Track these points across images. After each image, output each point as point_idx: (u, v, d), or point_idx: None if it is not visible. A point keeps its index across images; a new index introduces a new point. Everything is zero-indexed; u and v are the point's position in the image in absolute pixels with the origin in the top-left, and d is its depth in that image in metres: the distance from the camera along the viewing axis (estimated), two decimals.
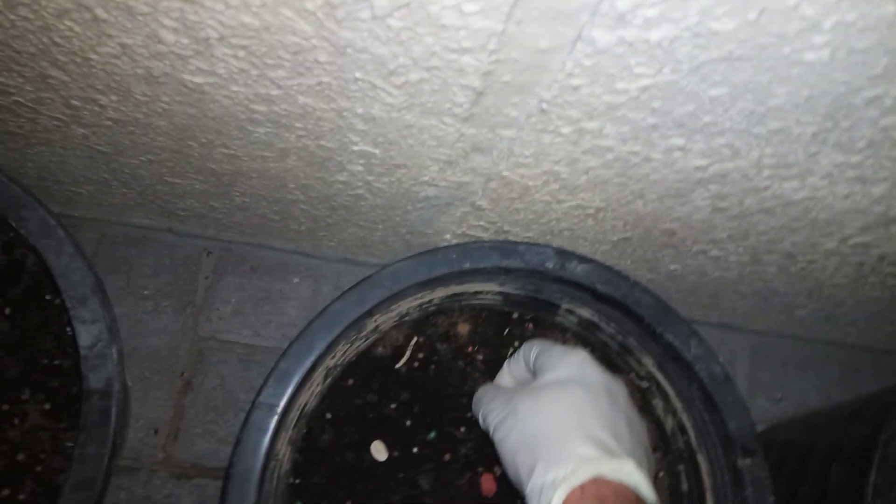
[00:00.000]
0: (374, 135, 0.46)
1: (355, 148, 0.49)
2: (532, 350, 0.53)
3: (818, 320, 0.83)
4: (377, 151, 0.50)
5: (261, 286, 0.82)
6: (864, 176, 0.44)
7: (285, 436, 0.53)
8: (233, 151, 0.53)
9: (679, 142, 0.42)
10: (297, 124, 0.47)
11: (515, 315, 0.65)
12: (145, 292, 0.81)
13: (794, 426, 0.83)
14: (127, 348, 0.78)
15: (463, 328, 0.64)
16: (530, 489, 0.42)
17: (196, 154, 0.55)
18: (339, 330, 0.52)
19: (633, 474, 0.42)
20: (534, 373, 0.52)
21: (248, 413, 0.49)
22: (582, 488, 0.40)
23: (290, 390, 0.50)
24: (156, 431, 0.77)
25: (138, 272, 0.81)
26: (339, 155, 0.51)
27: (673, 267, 0.69)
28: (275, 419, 0.49)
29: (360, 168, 0.53)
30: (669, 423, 0.62)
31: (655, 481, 0.62)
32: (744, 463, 0.55)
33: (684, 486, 0.61)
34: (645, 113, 0.39)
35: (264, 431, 0.49)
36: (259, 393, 0.49)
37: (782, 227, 0.54)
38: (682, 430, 0.61)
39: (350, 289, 0.53)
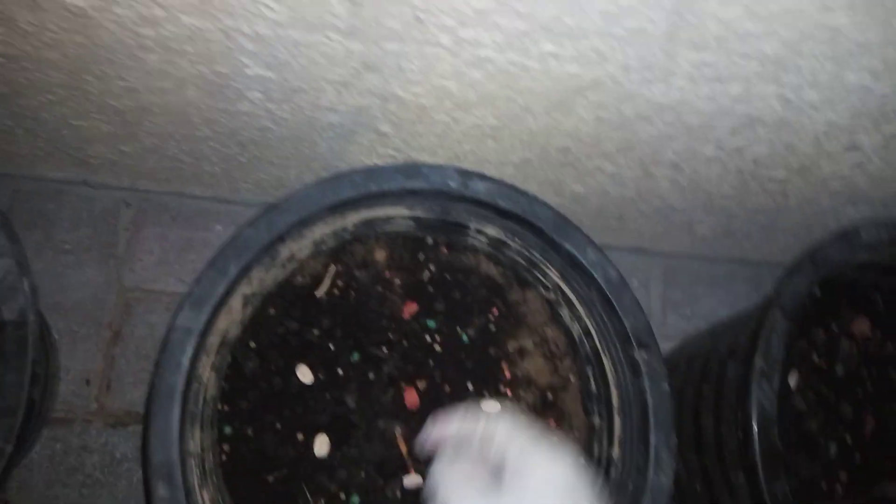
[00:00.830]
0: (264, 56, 0.47)
1: (249, 72, 0.51)
2: (497, 434, 0.45)
3: (718, 236, 0.89)
4: (272, 74, 0.51)
5: (183, 235, 0.83)
6: (721, 75, 0.48)
7: (207, 360, 0.55)
8: (130, 83, 0.54)
9: (550, 48, 0.45)
10: (188, 48, 0.48)
11: (430, 240, 0.68)
12: (65, 246, 0.80)
13: (700, 337, 0.89)
14: (50, 302, 0.78)
15: (380, 255, 0.67)
16: None
17: (95, 90, 0.56)
18: (251, 255, 0.54)
19: None
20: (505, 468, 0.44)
21: (166, 336, 0.50)
22: None
23: (205, 315, 0.52)
24: (88, 382, 0.78)
25: (57, 227, 0.81)
26: (236, 80, 0.52)
27: (576, 187, 0.73)
28: (193, 341, 0.51)
29: (260, 95, 0.55)
30: (576, 329, 0.67)
31: (568, 385, 0.67)
32: (640, 356, 0.59)
33: (593, 387, 0.66)
34: (512, 17, 0.42)
35: (183, 352, 0.51)
36: (175, 317, 0.51)
37: (661, 135, 0.58)
38: (588, 333, 0.65)
39: (259, 215, 0.54)
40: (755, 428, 0.60)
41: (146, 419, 0.49)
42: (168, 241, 0.83)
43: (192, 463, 0.52)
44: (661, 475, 0.56)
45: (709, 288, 1.01)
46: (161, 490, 0.47)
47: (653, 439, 0.57)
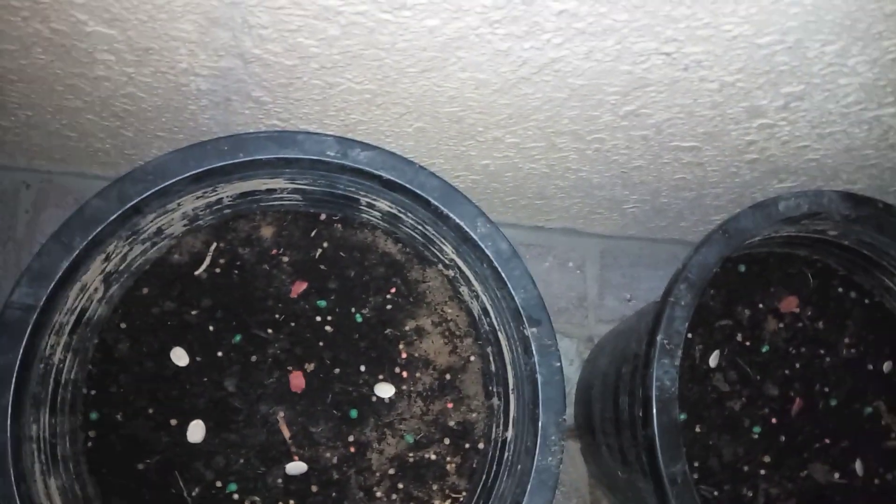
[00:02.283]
0: (98, 10, 0.44)
1: (89, 29, 0.47)
2: None
3: (649, 216, 0.85)
4: (114, 33, 0.48)
5: None
6: (591, 29, 0.45)
7: (57, 340, 0.52)
8: None
9: None
10: (13, 2, 0.44)
11: (322, 216, 0.65)
12: None
13: (629, 319, 0.86)
14: None
15: (267, 231, 0.63)
16: None
17: None
18: (99, 227, 0.50)
19: None
20: None
21: (0, 314, 0.47)
22: None
23: (46, 290, 0.48)
24: None
25: None
26: (79, 40, 0.49)
27: (484, 162, 0.70)
28: (33, 318, 0.48)
29: (111, 57, 0.51)
30: (475, 308, 0.63)
31: (468, 365, 0.63)
32: (531, 332, 0.56)
33: (493, 367, 0.62)
34: None
35: (20, 331, 0.47)
36: (11, 293, 0.48)
37: (551, 101, 0.55)
38: (486, 312, 0.62)
39: (110, 184, 0.51)
40: (654, 405, 0.56)
41: None
42: None
43: (34, 448, 0.48)
44: (548, 455, 0.53)
45: (649, 270, 0.98)
46: None
47: (542, 418, 0.54)
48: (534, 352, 0.56)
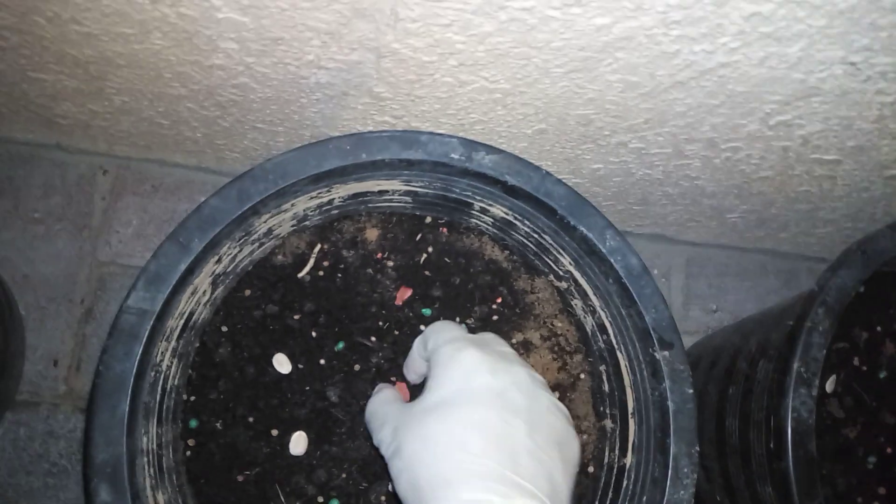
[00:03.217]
0: None
1: (220, 16, 0.44)
2: (427, 342, 0.47)
3: (751, 226, 0.81)
4: (247, 20, 0.44)
5: (165, 206, 0.77)
6: (779, 33, 0.41)
7: (167, 346, 0.49)
8: (87, 29, 0.47)
9: None
10: None
11: (428, 219, 0.61)
12: (35, 215, 0.74)
13: (726, 332, 0.82)
14: (18, 276, 0.72)
15: (371, 234, 0.60)
16: None
17: (49, 35, 0.49)
18: (218, 229, 0.47)
19: None
20: (428, 375, 0.45)
21: (116, 319, 0.44)
22: None
23: (163, 294, 0.45)
24: (55, 363, 0.72)
25: (27, 194, 0.75)
26: (206, 27, 0.45)
27: (596, 166, 0.66)
28: (148, 325, 0.45)
29: (235, 45, 0.48)
30: (589, 323, 0.59)
31: (577, 383, 0.60)
32: (662, 355, 0.52)
33: (606, 387, 0.59)
34: None
35: (136, 337, 0.44)
36: (127, 297, 0.44)
37: (700, 107, 0.51)
38: (602, 328, 0.58)
39: (229, 183, 0.48)
40: (790, 437, 0.52)
41: (89, 412, 0.42)
42: (148, 212, 0.76)
43: (144, 462, 0.45)
44: (681, 488, 0.49)
45: (736, 280, 0.94)
46: (104, 494, 0.41)
47: (672, 448, 0.50)
48: (665, 376, 0.52)
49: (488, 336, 0.50)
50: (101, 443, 0.42)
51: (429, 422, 0.40)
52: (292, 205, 0.52)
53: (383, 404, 0.47)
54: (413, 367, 0.52)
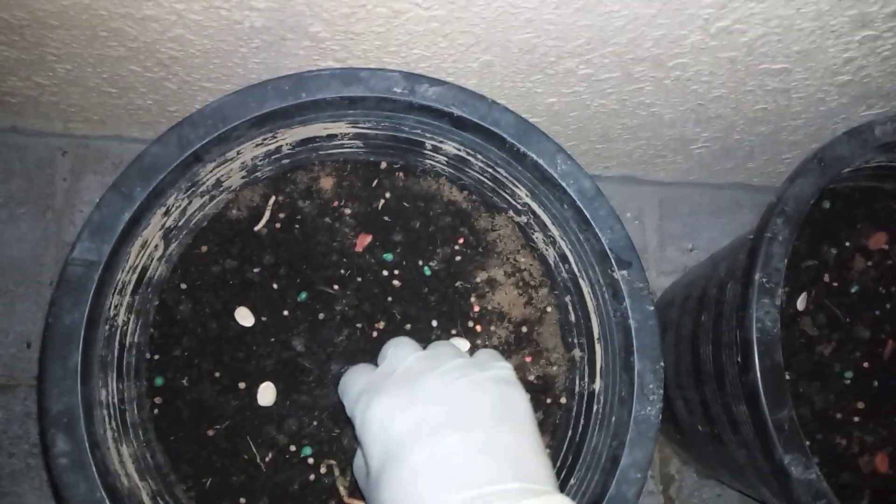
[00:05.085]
0: None
1: None
2: (346, 405, 0.45)
3: (717, 157, 0.81)
4: None
5: None
6: None
7: (121, 300, 0.48)
8: None
9: None
10: None
11: (383, 164, 0.61)
12: None
13: (699, 266, 0.81)
14: None
15: (326, 183, 0.60)
16: None
17: None
18: (160, 176, 0.46)
19: None
20: None
21: (62, 271, 0.43)
22: None
23: (109, 245, 0.45)
24: (28, 345, 0.72)
25: None
26: None
27: (550, 100, 0.65)
28: (96, 275, 0.44)
29: None
30: (551, 255, 0.59)
31: (544, 316, 0.60)
32: (620, 275, 0.52)
33: (572, 317, 0.59)
34: None
35: (84, 288, 0.44)
36: (73, 249, 0.44)
37: (637, 18, 0.50)
38: (564, 258, 0.58)
39: (168, 129, 0.47)
40: (755, 348, 0.52)
41: (41, 365, 0.42)
42: None
43: (104, 414, 0.45)
44: (647, 404, 0.49)
45: (711, 218, 0.93)
46: (60, 443, 0.41)
47: (637, 365, 0.50)
48: (625, 296, 0.52)
49: (389, 350, 0.47)
50: (55, 394, 0.42)
51: (381, 497, 0.38)
52: (238, 153, 0.52)
53: (357, 469, 0.45)
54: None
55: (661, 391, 0.50)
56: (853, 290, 0.67)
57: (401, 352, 0.45)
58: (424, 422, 0.38)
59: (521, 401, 0.42)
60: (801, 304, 0.66)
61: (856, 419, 0.65)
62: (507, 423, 0.39)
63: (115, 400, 0.47)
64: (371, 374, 0.45)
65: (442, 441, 0.37)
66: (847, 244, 0.68)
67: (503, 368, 0.43)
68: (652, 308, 0.51)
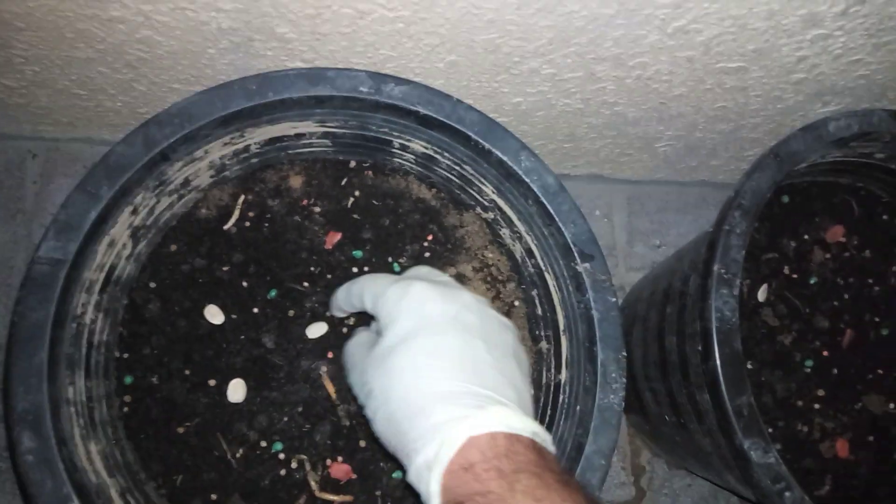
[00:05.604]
0: None
1: None
2: (364, 294, 0.46)
3: (681, 154, 0.82)
4: None
5: None
6: None
7: (88, 298, 0.49)
8: None
9: None
10: None
11: (352, 163, 0.61)
12: None
13: (665, 262, 0.83)
14: None
15: (296, 181, 0.60)
16: (411, 479, 0.38)
17: None
18: (126, 175, 0.47)
19: (507, 418, 0.36)
20: (378, 325, 0.45)
21: (28, 270, 0.44)
22: (457, 459, 0.35)
23: (75, 244, 0.45)
24: (2, 349, 0.72)
25: None
26: None
27: (516, 100, 0.66)
28: (62, 274, 0.45)
29: None
30: (518, 250, 0.60)
31: (512, 311, 0.61)
32: (583, 268, 0.53)
33: (539, 310, 0.60)
34: None
35: (50, 287, 0.44)
36: (38, 247, 0.44)
37: (596, 18, 0.52)
38: (530, 253, 0.59)
39: (134, 129, 0.48)
40: (715, 336, 0.54)
41: (6, 363, 0.42)
42: None
43: (72, 412, 0.45)
44: (610, 392, 0.50)
45: (678, 215, 0.95)
46: (27, 441, 0.41)
47: (600, 355, 0.51)
48: (587, 288, 0.53)
49: (423, 270, 0.51)
50: (21, 391, 0.42)
51: (393, 358, 0.40)
52: (206, 151, 0.52)
53: (354, 347, 0.48)
54: (337, 304, 0.52)
55: (624, 380, 0.51)
56: (812, 282, 0.69)
57: (425, 269, 0.50)
58: (459, 320, 0.41)
59: (526, 358, 0.46)
60: (761, 295, 0.68)
61: (816, 406, 0.67)
62: (515, 361, 0.43)
63: (84, 398, 0.47)
64: (399, 275, 0.48)
65: (470, 340, 0.40)
66: (806, 237, 0.70)
67: (516, 328, 0.47)
68: (614, 300, 0.53)
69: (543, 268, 0.58)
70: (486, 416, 0.36)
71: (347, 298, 0.49)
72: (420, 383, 0.39)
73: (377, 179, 0.62)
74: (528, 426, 0.37)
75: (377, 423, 0.41)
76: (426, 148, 0.58)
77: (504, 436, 0.36)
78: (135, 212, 0.51)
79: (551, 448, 0.38)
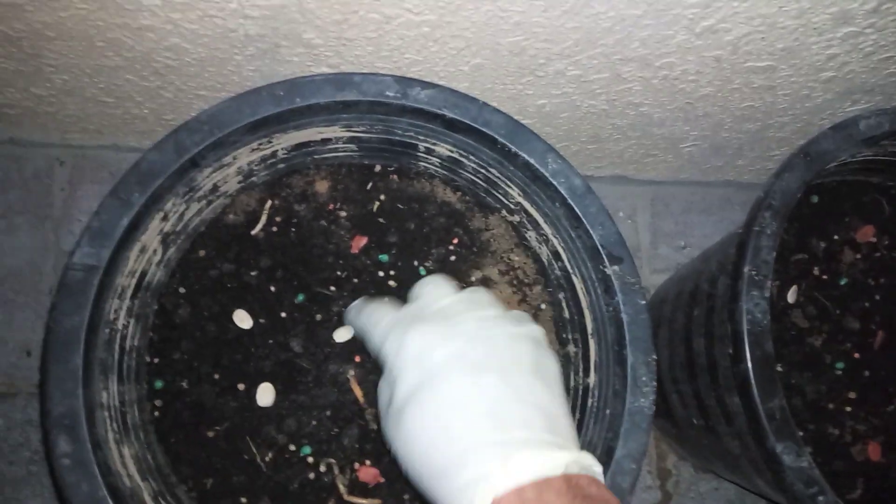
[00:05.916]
0: None
1: None
2: (365, 339, 0.46)
3: (707, 155, 0.82)
4: None
5: None
6: None
7: (120, 304, 0.49)
8: None
9: None
10: None
11: (377, 167, 0.62)
12: None
13: (691, 263, 0.82)
14: None
15: (321, 186, 0.61)
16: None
17: None
18: (158, 182, 0.47)
19: (534, 463, 0.33)
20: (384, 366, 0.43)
21: (62, 276, 0.44)
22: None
23: (108, 250, 0.46)
24: (29, 353, 0.73)
25: None
26: None
27: (540, 102, 0.66)
28: (96, 280, 0.45)
29: (158, 1, 0.48)
30: (545, 253, 0.60)
31: (539, 314, 0.61)
32: (612, 270, 0.53)
33: (566, 313, 0.59)
34: None
35: (84, 293, 0.45)
36: (72, 254, 0.45)
37: (624, 20, 0.51)
38: (557, 256, 0.59)
39: (165, 136, 0.48)
40: (746, 339, 0.53)
41: (43, 369, 0.43)
42: None
43: (105, 416, 0.46)
44: (640, 396, 0.50)
45: (702, 216, 0.94)
46: (63, 445, 0.42)
47: (630, 358, 0.51)
48: (616, 291, 0.53)
49: (426, 288, 0.46)
50: (57, 396, 0.43)
51: (405, 420, 0.38)
52: (234, 157, 0.53)
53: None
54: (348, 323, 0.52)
55: (654, 383, 0.51)
56: (842, 283, 0.68)
57: (440, 291, 0.45)
58: (464, 357, 0.38)
59: (552, 363, 0.42)
60: (791, 297, 0.67)
61: (847, 409, 0.66)
62: (540, 378, 0.39)
63: (116, 402, 0.48)
64: (402, 308, 0.45)
65: (480, 379, 0.37)
66: (836, 237, 0.69)
67: (537, 330, 0.43)
68: (643, 302, 0.52)
69: (570, 270, 0.58)
70: (509, 470, 0.33)
71: (354, 328, 0.50)
72: (438, 448, 0.36)
73: (402, 183, 0.62)
74: (558, 462, 0.34)
75: (404, 467, 0.39)
76: (451, 151, 0.58)
77: (532, 487, 0.33)
78: (165, 218, 0.51)
79: (592, 468, 0.35)
